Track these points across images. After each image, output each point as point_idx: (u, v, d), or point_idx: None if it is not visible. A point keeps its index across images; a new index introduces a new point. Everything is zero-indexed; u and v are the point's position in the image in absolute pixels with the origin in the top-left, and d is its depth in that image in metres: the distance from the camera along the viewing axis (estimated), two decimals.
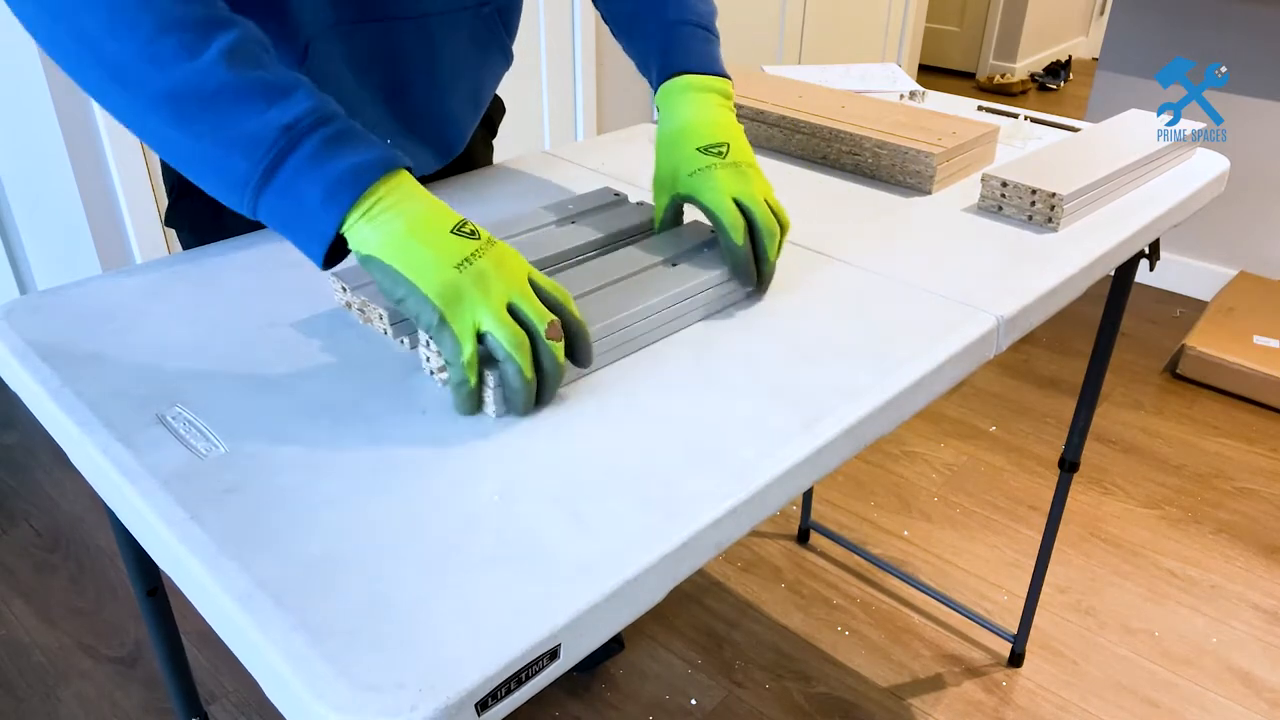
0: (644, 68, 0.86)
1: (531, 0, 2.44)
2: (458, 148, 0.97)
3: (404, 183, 0.58)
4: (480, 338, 0.57)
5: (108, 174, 1.97)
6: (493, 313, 0.57)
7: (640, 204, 0.84)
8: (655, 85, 0.82)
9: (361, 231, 0.57)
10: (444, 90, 0.91)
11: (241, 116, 0.56)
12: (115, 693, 1.45)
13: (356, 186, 0.56)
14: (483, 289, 0.57)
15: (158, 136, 0.58)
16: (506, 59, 0.97)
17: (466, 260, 0.57)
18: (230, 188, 0.57)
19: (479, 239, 0.59)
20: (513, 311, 0.58)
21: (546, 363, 0.58)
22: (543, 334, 0.58)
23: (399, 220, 0.57)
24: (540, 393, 0.60)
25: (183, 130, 0.57)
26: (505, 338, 0.57)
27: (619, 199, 0.84)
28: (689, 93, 0.80)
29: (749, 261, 0.72)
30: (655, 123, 0.82)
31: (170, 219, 0.91)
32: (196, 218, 0.88)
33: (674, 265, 0.72)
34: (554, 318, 0.59)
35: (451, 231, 0.58)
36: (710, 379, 0.64)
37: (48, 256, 2.02)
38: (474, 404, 0.59)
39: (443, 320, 0.56)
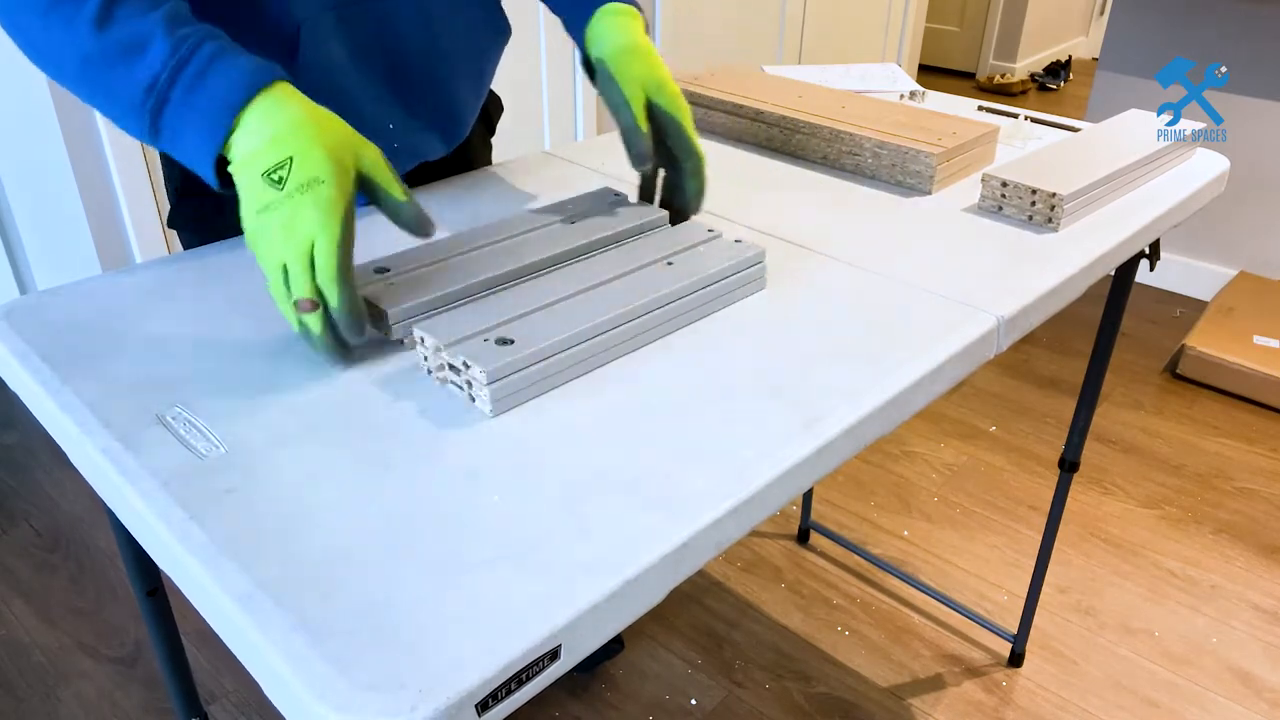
0: (572, 12, 0.86)
1: (531, 1, 2.43)
2: (464, 130, 0.96)
3: (257, 109, 0.60)
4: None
5: (108, 174, 1.97)
6: (270, 269, 0.60)
7: (640, 204, 0.84)
8: (587, 16, 0.83)
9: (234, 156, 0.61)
10: (446, 69, 0.90)
11: (113, 81, 0.61)
12: (115, 693, 1.45)
13: (215, 137, 0.60)
14: (268, 241, 0.60)
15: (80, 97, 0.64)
16: (506, 30, 0.95)
17: (266, 209, 0.59)
18: (141, 138, 0.63)
19: (282, 189, 0.59)
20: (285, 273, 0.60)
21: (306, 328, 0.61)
22: (293, 303, 0.60)
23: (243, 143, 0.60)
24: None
25: (85, 96, 0.63)
26: (278, 297, 0.61)
27: (619, 198, 0.84)
28: (621, 16, 0.83)
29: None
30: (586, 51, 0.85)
31: (173, 220, 0.90)
32: (199, 218, 0.87)
33: (670, 264, 0.72)
34: (306, 296, 0.60)
35: (262, 175, 0.59)
36: (710, 379, 0.64)
37: (48, 256, 2.02)
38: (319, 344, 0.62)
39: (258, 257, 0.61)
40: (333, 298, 0.60)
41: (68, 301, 0.72)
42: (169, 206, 0.91)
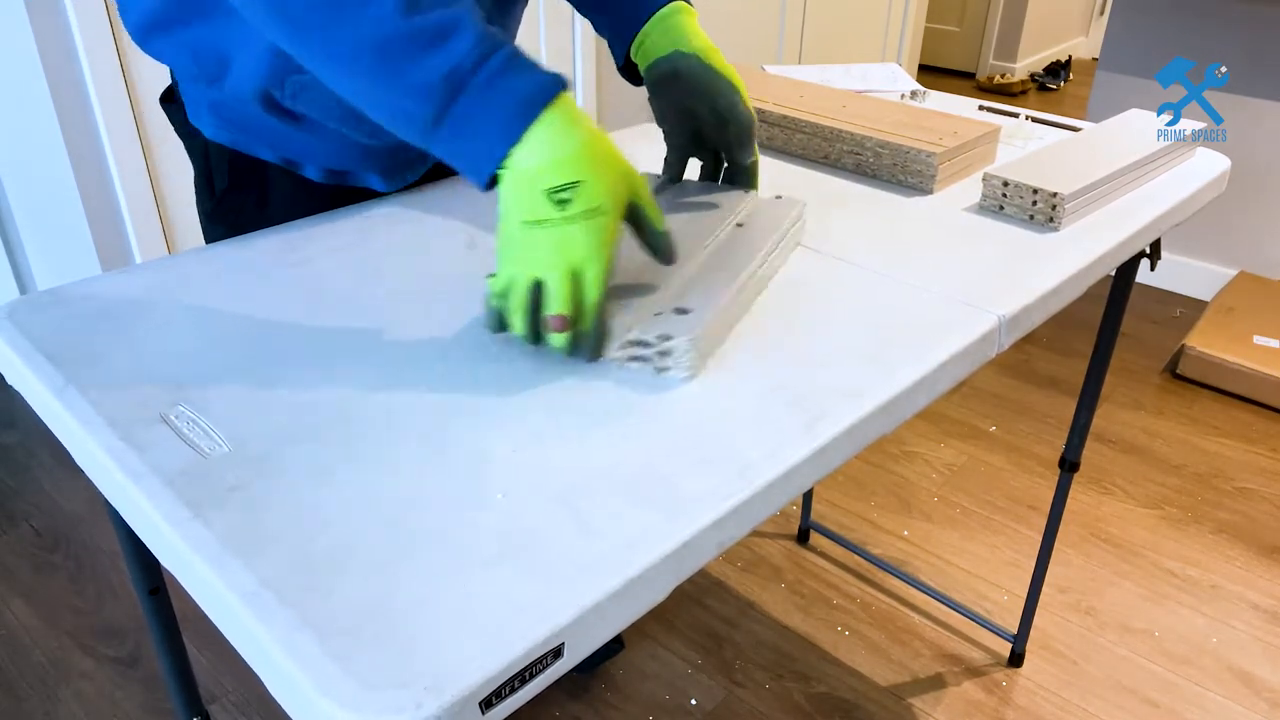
0: (619, 23, 0.89)
1: (532, 2, 2.44)
2: None
3: (549, 122, 0.60)
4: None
5: (108, 174, 1.97)
6: (523, 279, 0.62)
7: (724, 186, 0.87)
8: (643, 22, 0.86)
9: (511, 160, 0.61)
10: None
11: (408, 67, 0.59)
12: (115, 693, 1.45)
13: (507, 141, 0.60)
14: (531, 254, 0.61)
15: (341, 83, 0.62)
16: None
17: (538, 223, 0.61)
18: (409, 130, 0.62)
19: (564, 211, 0.60)
20: (538, 288, 0.62)
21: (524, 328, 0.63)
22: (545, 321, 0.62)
23: (528, 160, 0.60)
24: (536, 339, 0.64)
25: (363, 81, 0.60)
26: (516, 304, 0.62)
27: (700, 184, 0.88)
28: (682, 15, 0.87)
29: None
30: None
31: (215, 216, 0.90)
32: (241, 214, 0.88)
33: (740, 225, 0.79)
34: (562, 313, 0.61)
35: (545, 191, 0.60)
36: (711, 378, 0.64)
37: (48, 256, 2.02)
38: (497, 326, 0.65)
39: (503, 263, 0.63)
40: (588, 323, 0.63)
41: (70, 301, 0.72)
42: (208, 202, 0.89)
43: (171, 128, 0.91)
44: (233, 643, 0.47)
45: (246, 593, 0.46)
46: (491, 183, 0.62)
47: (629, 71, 0.91)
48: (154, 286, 0.75)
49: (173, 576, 0.53)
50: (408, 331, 0.69)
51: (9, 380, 0.68)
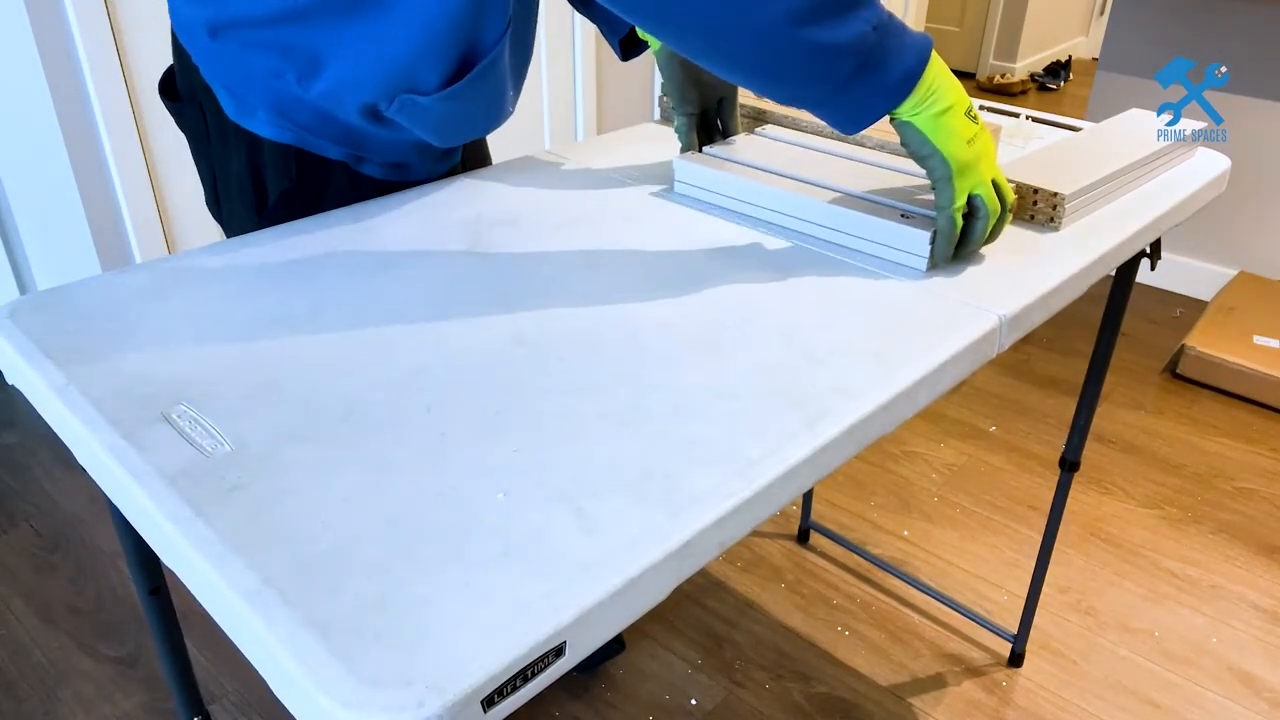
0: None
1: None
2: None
3: (933, 68, 0.74)
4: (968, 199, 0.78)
5: (108, 174, 1.97)
6: (984, 185, 0.78)
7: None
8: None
9: (908, 105, 0.74)
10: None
11: (829, 29, 0.68)
12: (115, 693, 1.45)
13: (911, 82, 0.73)
14: (979, 166, 0.77)
15: (735, 57, 0.70)
16: None
17: (971, 140, 0.76)
18: (813, 90, 0.72)
19: (978, 124, 0.77)
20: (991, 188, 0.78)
21: (985, 231, 0.80)
22: (996, 212, 0.79)
23: (937, 104, 0.75)
24: (964, 251, 0.81)
25: (772, 50, 0.69)
26: (989, 205, 0.78)
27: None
28: None
29: None
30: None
31: (272, 214, 0.89)
32: (295, 211, 0.89)
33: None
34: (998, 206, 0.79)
35: (965, 114, 0.76)
36: (712, 378, 0.64)
37: (48, 256, 2.02)
38: (952, 246, 0.79)
39: (950, 179, 0.76)
40: (1011, 201, 0.82)
41: (71, 300, 0.72)
42: (253, 197, 0.90)
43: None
44: (235, 641, 0.47)
45: (249, 591, 0.46)
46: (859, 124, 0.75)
47: (624, 49, 1.01)
48: (154, 286, 0.75)
49: (173, 576, 0.53)
50: (409, 330, 0.69)
51: (10, 380, 0.68)
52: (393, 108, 0.82)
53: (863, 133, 1.00)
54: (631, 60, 1.08)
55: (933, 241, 0.79)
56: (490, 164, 1.06)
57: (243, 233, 0.88)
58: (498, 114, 0.93)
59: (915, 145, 0.76)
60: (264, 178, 0.88)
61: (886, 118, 0.75)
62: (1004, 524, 1.82)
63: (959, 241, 0.79)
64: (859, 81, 0.71)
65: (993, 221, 0.79)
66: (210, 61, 0.84)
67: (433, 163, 0.96)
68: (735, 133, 1.03)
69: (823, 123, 1.03)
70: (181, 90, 0.90)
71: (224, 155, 0.89)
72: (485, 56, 0.83)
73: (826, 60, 0.69)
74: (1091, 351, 1.24)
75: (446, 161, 0.98)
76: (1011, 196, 0.81)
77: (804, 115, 1.05)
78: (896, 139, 0.99)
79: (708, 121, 1.01)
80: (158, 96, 1.92)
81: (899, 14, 3.56)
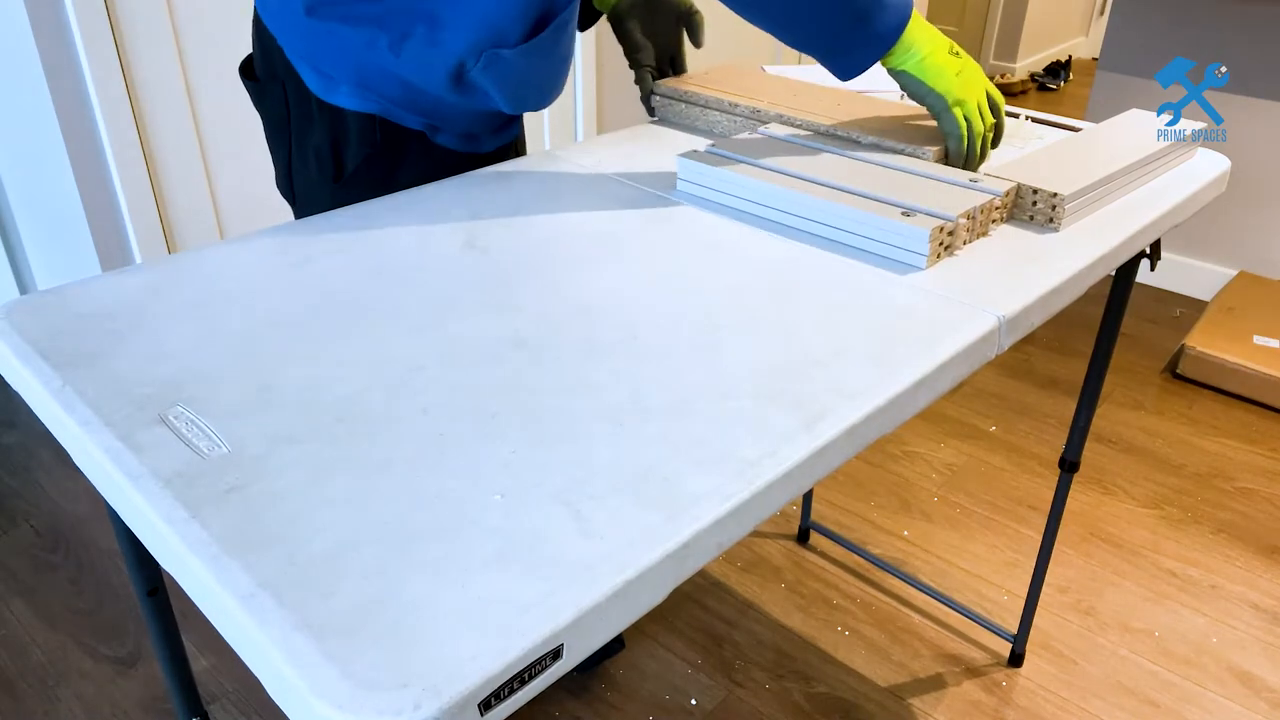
0: None
1: None
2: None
3: (915, 22, 0.90)
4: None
5: (108, 174, 1.97)
6: (977, 108, 0.94)
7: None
8: None
9: (896, 58, 0.91)
10: None
11: None
12: (115, 693, 1.45)
13: (896, 33, 0.89)
14: (969, 93, 0.93)
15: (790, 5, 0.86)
16: None
17: (959, 72, 0.92)
18: (825, 32, 0.88)
19: (962, 57, 0.93)
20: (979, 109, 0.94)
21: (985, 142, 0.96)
22: (989, 124, 0.95)
23: (920, 51, 0.91)
24: (973, 163, 0.95)
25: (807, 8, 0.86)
26: (983, 122, 0.94)
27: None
28: None
29: None
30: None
31: (349, 182, 0.96)
32: (372, 179, 0.96)
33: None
34: (993, 120, 0.95)
35: (948, 53, 0.92)
36: (711, 378, 0.64)
37: (48, 256, 2.02)
38: (962, 160, 0.95)
39: (947, 108, 0.92)
40: (1003, 115, 0.98)
41: (69, 301, 0.72)
42: (333, 169, 0.96)
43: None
44: (230, 643, 0.47)
45: (244, 594, 0.46)
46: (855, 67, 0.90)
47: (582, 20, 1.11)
48: (154, 286, 0.75)
49: (171, 577, 0.53)
50: (407, 331, 0.69)
51: (8, 381, 0.68)
52: (479, 65, 0.89)
53: (859, 132, 1.00)
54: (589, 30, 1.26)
55: (947, 160, 0.95)
56: (526, 154, 1.09)
57: (315, 206, 0.97)
58: (559, 80, 1.01)
59: (913, 88, 0.92)
60: (343, 150, 0.95)
61: (884, 70, 0.92)
62: (1004, 524, 1.82)
63: (967, 157, 0.95)
64: (856, 31, 0.87)
65: (987, 132, 0.95)
66: (300, 40, 0.91)
67: (499, 135, 1.04)
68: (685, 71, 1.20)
69: (823, 122, 1.03)
70: (261, 73, 0.97)
71: (303, 131, 0.96)
72: (562, 10, 0.93)
73: (830, 13, 0.86)
74: (1091, 351, 1.24)
75: (509, 133, 1.06)
76: (1001, 99, 0.96)
77: (802, 114, 1.05)
78: (895, 139, 0.99)
79: (662, 72, 1.18)
80: (158, 96, 1.93)
81: None
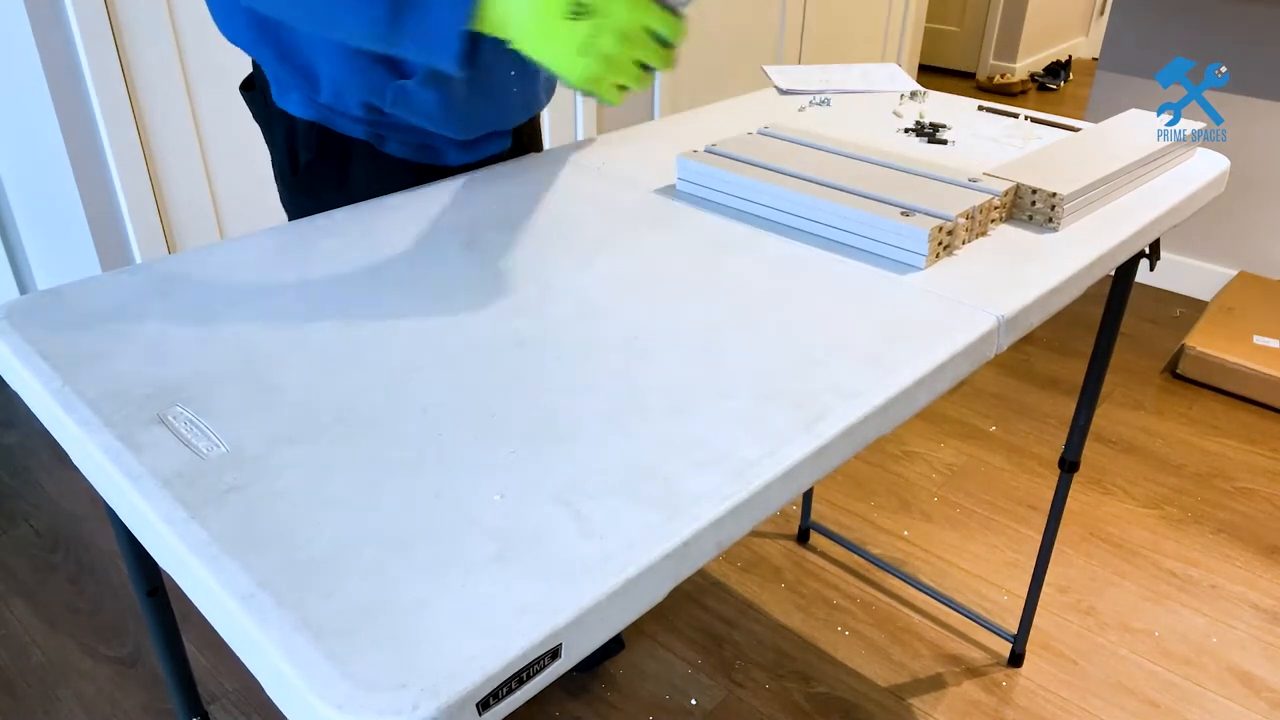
0: None
1: None
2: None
3: None
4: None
5: (108, 174, 1.97)
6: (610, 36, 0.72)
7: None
8: None
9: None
10: None
11: None
12: (115, 693, 1.45)
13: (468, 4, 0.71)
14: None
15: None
16: None
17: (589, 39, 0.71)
18: (370, 33, 0.74)
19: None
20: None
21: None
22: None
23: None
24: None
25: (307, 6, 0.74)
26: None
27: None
28: None
29: None
30: None
31: (297, 186, 0.96)
32: (324, 185, 0.95)
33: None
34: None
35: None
36: (711, 378, 0.64)
37: (48, 256, 2.02)
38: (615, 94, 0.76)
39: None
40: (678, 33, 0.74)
41: (69, 301, 0.72)
42: (290, 176, 0.97)
43: (252, 116, 0.99)
44: (229, 644, 0.47)
45: (243, 594, 0.46)
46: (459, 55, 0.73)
47: None
48: (154, 286, 0.75)
49: (173, 577, 0.53)
50: (406, 332, 0.69)
51: (8, 381, 0.67)
52: (388, 100, 0.87)
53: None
54: None
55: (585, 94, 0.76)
56: (542, 150, 1.09)
57: (286, 207, 0.98)
58: (508, 103, 0.96)
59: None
60: (297, 153, 0.95)
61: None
62: (1004, 524, 1.82)
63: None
64: (406, 12, 0.72)
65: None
66: (259, 49, 0.91)
67: (460, 150, 0.99)
68: None
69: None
70: (257, 82, 0.98)
71: (271, 137, 0.97)
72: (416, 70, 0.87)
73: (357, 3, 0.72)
74: (1091, 351, 1.24)
75: (476, 151, 1.00)
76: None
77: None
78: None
79: None
80: (158, 96, 1.93)
81: (899, 14, 3.55)
